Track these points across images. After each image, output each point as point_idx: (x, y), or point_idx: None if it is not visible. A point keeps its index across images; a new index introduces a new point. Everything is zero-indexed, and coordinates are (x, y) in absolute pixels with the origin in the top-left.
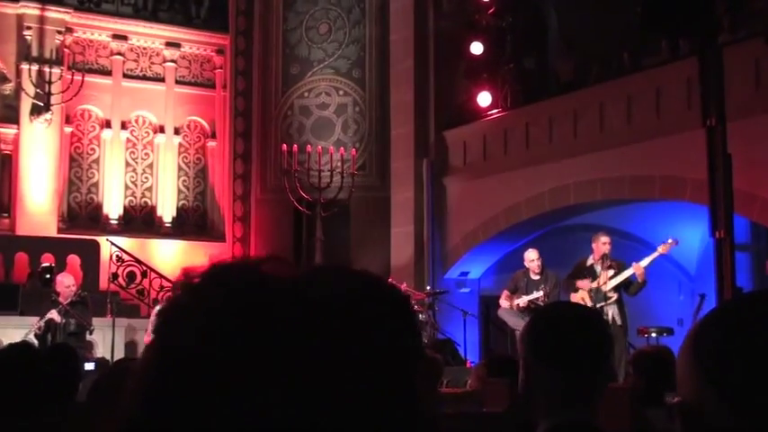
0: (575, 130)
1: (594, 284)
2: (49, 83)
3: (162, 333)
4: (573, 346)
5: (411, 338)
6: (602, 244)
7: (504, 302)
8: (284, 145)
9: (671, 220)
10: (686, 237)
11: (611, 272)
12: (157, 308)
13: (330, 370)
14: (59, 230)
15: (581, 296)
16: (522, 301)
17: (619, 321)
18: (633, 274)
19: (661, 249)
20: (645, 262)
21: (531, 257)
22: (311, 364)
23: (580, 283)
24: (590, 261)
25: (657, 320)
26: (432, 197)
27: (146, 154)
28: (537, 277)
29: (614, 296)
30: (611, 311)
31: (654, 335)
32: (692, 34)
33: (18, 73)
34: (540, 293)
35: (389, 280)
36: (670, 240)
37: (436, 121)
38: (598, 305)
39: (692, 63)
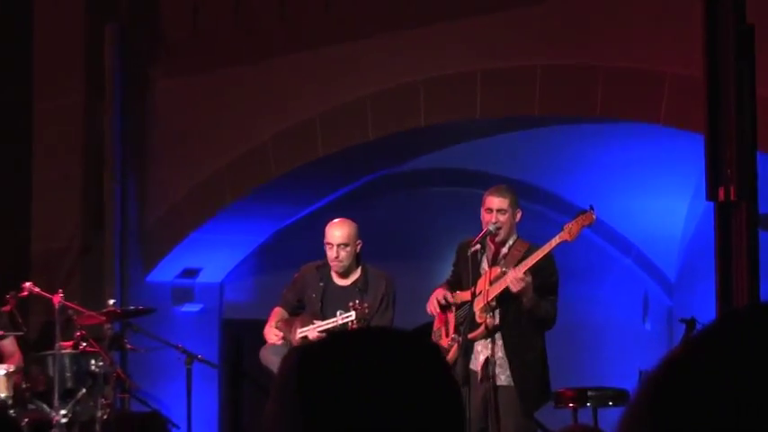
0: None
1: (476, 293)
2: None
3: None
4: (370, 409)
5: None
6: (485, 211)
7: (273, 334)
8: None
9: (628, 165)
10: (660, 204)
11: (502, 270)
12: None
13: None
14: None
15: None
16: (312, 330)
17: (505, 378)
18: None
19: (564, 233)
20: (528, 262)
21: (339, 238)
22: None
23: (432, 303)
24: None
25: (600, 375)
26: (121, 108)
27: None
28: (346, 282)
29: (486, 319)
30: (485, 353)
31: (590, 404)
32: None
33: None
34: (351, 315)
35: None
36: (583, 214)
37: None
38: (469, 336)
39: None
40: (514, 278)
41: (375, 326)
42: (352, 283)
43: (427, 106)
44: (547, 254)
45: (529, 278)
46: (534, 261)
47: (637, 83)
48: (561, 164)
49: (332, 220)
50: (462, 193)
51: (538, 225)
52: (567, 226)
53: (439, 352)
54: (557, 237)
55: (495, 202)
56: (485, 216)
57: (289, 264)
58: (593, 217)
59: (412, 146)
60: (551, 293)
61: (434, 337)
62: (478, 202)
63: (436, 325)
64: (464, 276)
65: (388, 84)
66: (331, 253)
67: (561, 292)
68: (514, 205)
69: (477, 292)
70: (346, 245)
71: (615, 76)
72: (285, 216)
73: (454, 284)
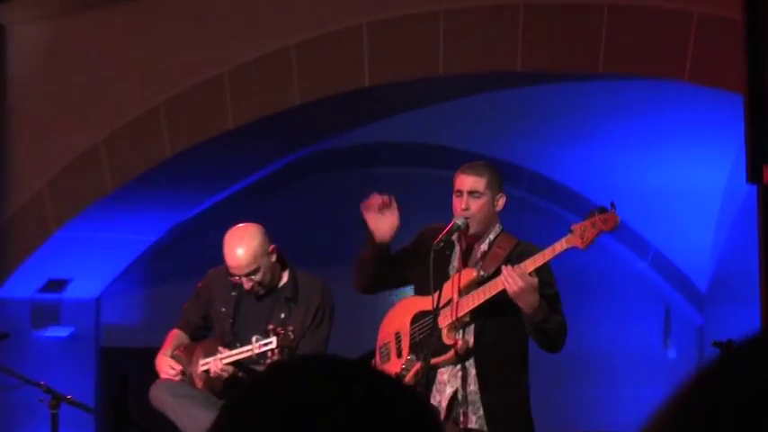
0: None
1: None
2: None
3: None
4: None
5: None
6: (455, 195)
7: (168, 365)
8: None
9: (642, 139)
10: (685, 189)
11: (479, 274)
12: None
13: None
14: None
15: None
16: (216, 361)
17: (477, 419)
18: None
19: (574, 238)
20: (530, 263)
21: (244, 266)
22: None
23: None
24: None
25: (609, 417)
26: None
27: None
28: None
29: (458, 341)
30: (452, 386)
31: None
32: None
33: None
34: (271, 342)
35: None
36: (601, 214)
37: None
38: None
39: None
40: (512, 274)
41: (319, 356)
42: (274, 299)
43: (373, 60)
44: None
45: (534, 279)
46: (533, 267)
47: (652, 27)
48: (552, 137)
49: (237, 226)
50: (420, 175)
51: (521, 216)
52: (577, 227)
53: (421, 401)
54: (563, 240)
55: (467, 181)
56: (455, 202)
57: (190, 271)
58: (617, 219)
59: (352, 113)
60: (555, 310)
61: (380, 357)
62: (440, 188)
63: (382, 338)
64: (424, 275)
65: (319, 29)
66: (243, 284)
67: None
68: (494, 187)
69: (443, 301)
70: (257, 270)
71: (624, 17)
72: (184, 207)
73: (404, 268)
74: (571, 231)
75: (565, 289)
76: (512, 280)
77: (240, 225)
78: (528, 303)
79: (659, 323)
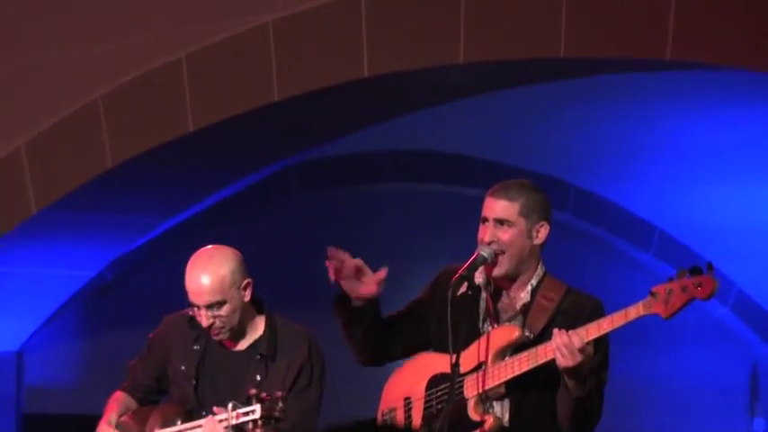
0: None
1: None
2: None
3: None
4: None
5: None
6: (481, 222)
7: None
8: None
9: (721, 145)
10: None
11: (524, 334)
12: None
13: None
14: None
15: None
16: None
17: None
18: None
19: (656, 304)
20: (594, 330)
21: (207, 294)
22: None
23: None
24: (478, 279)
25: None
26: None
27: None
28: (240, 345)
29: (489, 419)
30: None
31: None
32: None
33: None
34: (255, 411)
35: None
36: (693, 276)
37: None
38: None
39: None
40: (568, 345)
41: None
42: (250, 347)
43: (374, 43)
44: (595, 311)
45: (591, 349)
46: (598, 335)
47: (733, 4)
48: (606, 146)
49: (201, 249)
50: (434, 193)
51: (565, 248)
52: (660, 290)
53: None
54: (640, 305)
55: (495, 206)
56: (480, 231)
57: (137, 316)
58: (715, 284)
59: (347, 112)
60: (598, 375)
61: (385, 424)
62: (461, 209)
63: (387, 402)
64: (444, 330)
65: (304, 2)
66: (200, 319)
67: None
68: (532, 214)
69: (472, 364)
70: (222, 302)
71: None
72: (130, 235)
73: (417, 326)
74: (652, 295)
75: (618, 342)
76: (567, 352)
77: (211, 246)
78: (577, 377)
79: (744, 384)
